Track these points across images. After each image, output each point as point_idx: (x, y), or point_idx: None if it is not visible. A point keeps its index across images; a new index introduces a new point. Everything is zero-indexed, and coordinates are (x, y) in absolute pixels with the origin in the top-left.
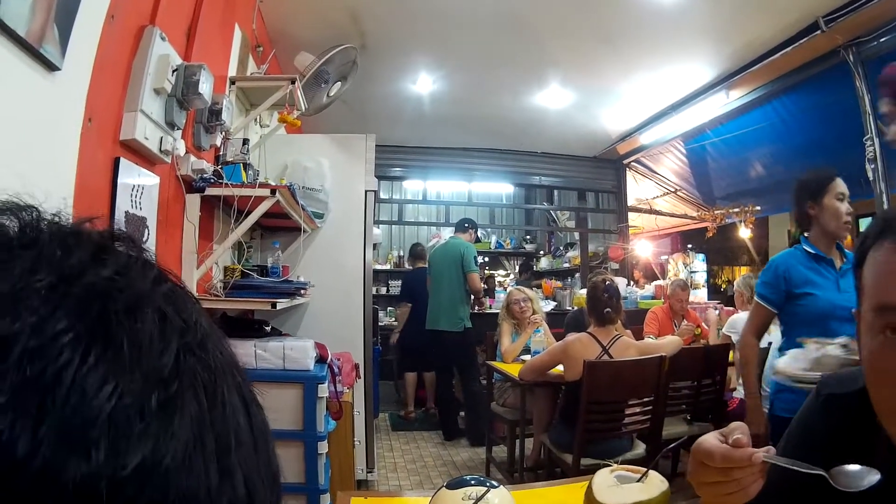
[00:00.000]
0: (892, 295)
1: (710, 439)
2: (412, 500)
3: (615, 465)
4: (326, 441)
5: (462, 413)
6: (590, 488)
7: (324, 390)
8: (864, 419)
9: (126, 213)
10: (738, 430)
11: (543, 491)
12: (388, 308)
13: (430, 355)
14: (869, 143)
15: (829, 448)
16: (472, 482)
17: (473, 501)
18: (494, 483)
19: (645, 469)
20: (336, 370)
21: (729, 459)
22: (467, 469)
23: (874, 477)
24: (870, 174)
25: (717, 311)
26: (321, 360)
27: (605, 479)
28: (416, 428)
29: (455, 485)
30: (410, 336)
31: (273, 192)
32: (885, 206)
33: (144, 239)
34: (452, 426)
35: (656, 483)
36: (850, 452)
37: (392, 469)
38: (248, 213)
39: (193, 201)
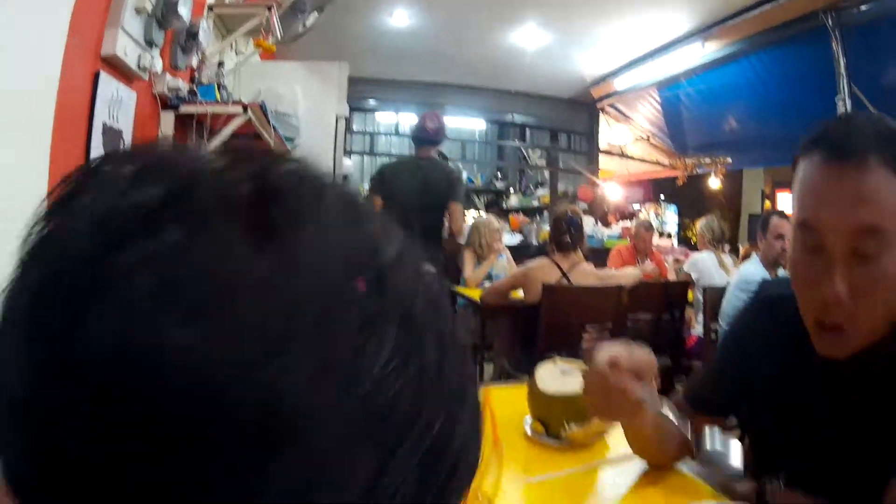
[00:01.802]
0: (803, 212)
1: (609, 364)
2: None
3: (558, 359)
4: None
5: None
6: (532, 379)
7: None
8: (799, 322)
9: (104, 124)
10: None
11: (491, 390)
12: None
13: None
14: (840, 101)
15: (764, 349)
16: None
17: None
18: None
19: (587, 365)
20: None
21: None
22: None
23: None
24: None
25: (671, 257)
26: None
27: (548, 370)
28: None
29: None
30: None
31: (245, 109)
32: None
33: None
34: None
35: None
36: (783, 353)
37: None
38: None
39: (168, 118)
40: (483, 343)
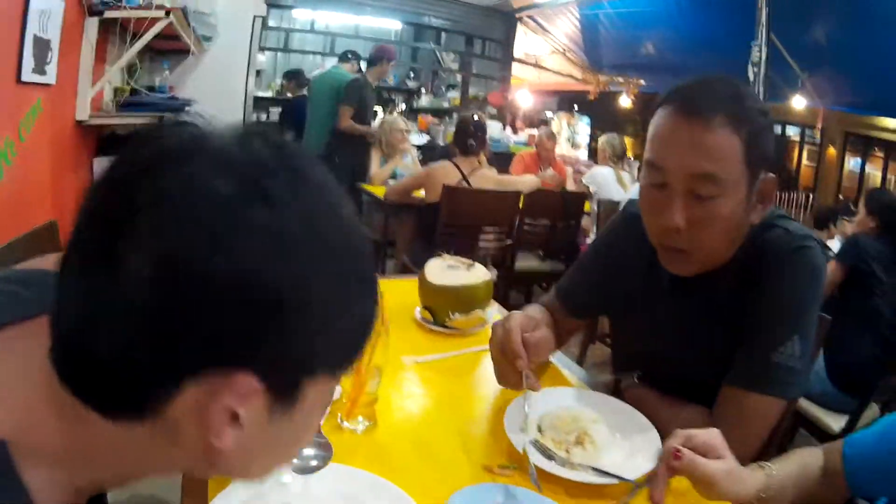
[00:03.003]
0: (652, 154)
1: (516, 329)
2: None
3: (446, 256)
4: None
5: None
6: (423, 272)
7: None
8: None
9: (34, 36)
10: (537, 346)
11: (388, 282)
12: None
13: None
14: (756, 48)
15: (624, 260)
16: None
17: None
18: None
19: (472, 261)
20: None
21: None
22: None
23: None
24: (750, 76)
25: (573, 168)
26: None
27: (437, 265)
28: None
29: None
30: None
31: (168, 13)
32: None
33: (48, 60)
34: None
35: (481, 273)
36: (640, 266)
37: None
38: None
39: (93, 24)
40: (385, 239)
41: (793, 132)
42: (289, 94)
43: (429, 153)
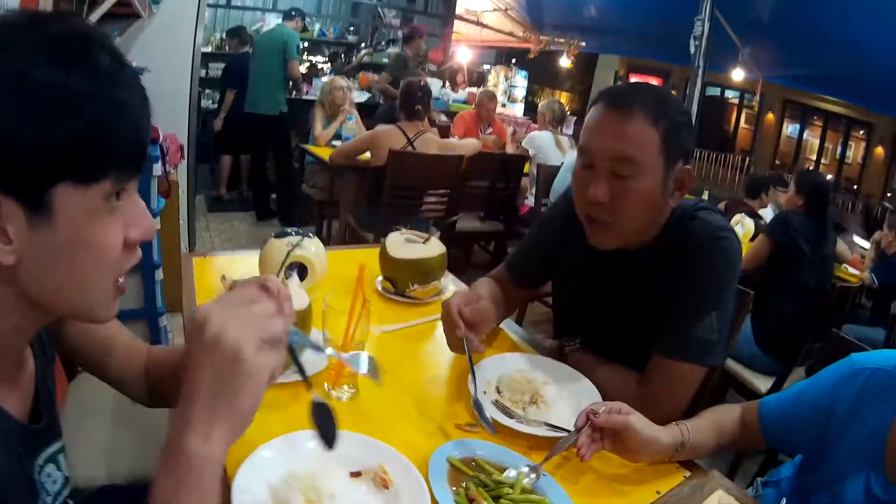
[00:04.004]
0: (585, 140)
1: (454, 303)
2: (244, 257)
3: (404, 230)
4: (159, 218)
5: (274, 195)
6: (383, 245)
7: (157, 170)
8: None
9: None
10: (476, 317)
11: (347, 252)
12: (207, 91)
13: (246, 138)
14: (699, 22)
15: (566, 234)
16: (293, 233)
17: (293, 247)
18: (310, 234)
19: (428, 235)
20: (164, 151)
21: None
22: None
23: None
24: (692, 48)
25: (512, 128)
26: (152, 140)
27: (396, 238)
28: (230, 209)
29: (280, 235)
30: (229, 120)
31: None
32: (699, 81)
33: None
34: (265, 207)
35: (436, 246)
36: (579, 240)
37: (210, 248)
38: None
39: None
40: (330, 200)
41: (732, 95)
42: (228, 50)
43: (371, 111)
